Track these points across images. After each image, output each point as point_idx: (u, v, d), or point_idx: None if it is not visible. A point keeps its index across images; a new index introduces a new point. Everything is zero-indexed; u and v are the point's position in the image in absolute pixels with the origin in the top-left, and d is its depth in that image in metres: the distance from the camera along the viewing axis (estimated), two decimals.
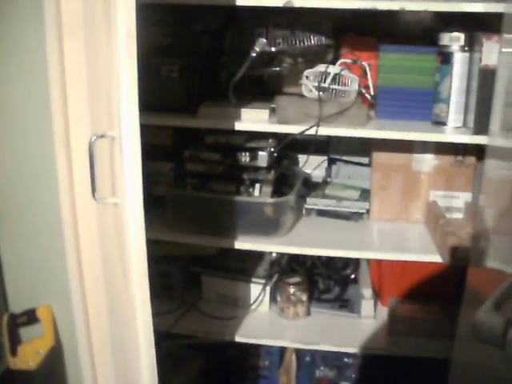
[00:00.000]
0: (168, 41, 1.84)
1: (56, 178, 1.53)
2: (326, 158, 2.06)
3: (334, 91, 1.72)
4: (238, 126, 1.70)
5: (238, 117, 1.73)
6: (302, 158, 2.03)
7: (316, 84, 1.72)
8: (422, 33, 1.89)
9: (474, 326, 0.81)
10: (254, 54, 1.72)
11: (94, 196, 1.27)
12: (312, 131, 1.67)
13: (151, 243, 1.28)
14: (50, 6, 1.35)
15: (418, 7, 1.55)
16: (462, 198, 1.87)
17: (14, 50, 1.62)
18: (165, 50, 1.82)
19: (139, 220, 1.17)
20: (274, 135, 1.80)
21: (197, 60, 1.80)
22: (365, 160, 2.03)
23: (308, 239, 1.82)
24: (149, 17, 1.74)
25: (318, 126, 1.66)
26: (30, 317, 1.84)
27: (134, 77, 1.08)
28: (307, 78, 1.74)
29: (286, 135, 1.76)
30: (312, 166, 2.05)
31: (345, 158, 2.07)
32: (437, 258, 1.69)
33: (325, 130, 1.69)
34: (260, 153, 1.76)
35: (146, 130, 1.75)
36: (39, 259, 1.79)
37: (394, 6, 1.54)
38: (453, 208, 1.87)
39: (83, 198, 1.50)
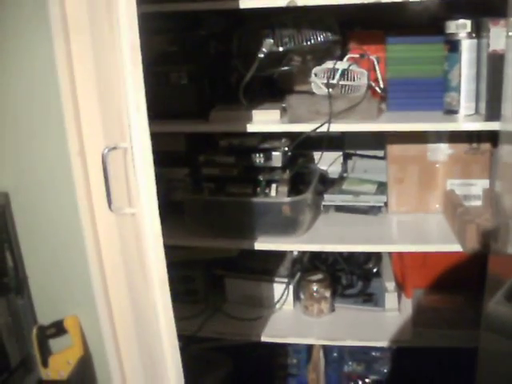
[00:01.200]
0: (175, 48, 1.86)
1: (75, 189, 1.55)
2: (341, 153, 2.07)
3: (343, 87, 1.73)
4: (250, 128, 1.71)
5: (249, 119, 1.74)
6: (316, 154, 2.03)
7: (325, 81, 1.73)
8: (429, 22, 1.88)
9: (485, 318, 0.81)
10: (261, 55, 1.73)
11: (110, 207, 1.29)
12: (324, 128, 1.67)
13: (172, 249, 1.30)
14: (55, 12, 1.37)
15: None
16: (479, 186, 1.86)
17: (26, 60, 1.64)
18: (173, 57, 1.84)
19: (156, 228, 1.19)
20: (287, 134, 1.80)
21: (205, 65, 1.82)
22: (380, 153, 2.03)
23: (327, 236, 1.82)
24: (154, 25, 1.76)
25: (329, 122, 1.67)
26: (58, 328, 1.87)
27: (141, 87, 1.10)
28: (316, 75, 1.74)
29: (298, 134, 1.76)
30: (327, 162, 2.05)
31: (360, 152, 2.07)
32: (457, 247, 1.68)
33: (337, 127, 1.69)
34: (274, 153, 1.77)
35: (159, 138, 1.78)
36: (63, 271, 1.82)
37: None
38: (471, 196, 1.87)
39: (102, 209, 1.52)
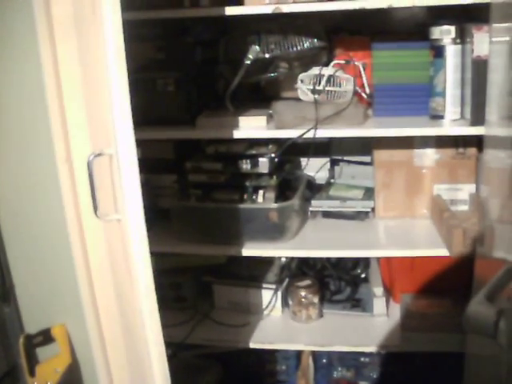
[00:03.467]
0: (162, 55, 1.86)
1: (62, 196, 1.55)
2: (328, 159, 2.07)
3: (329, 93, 1.74)
4: (237, 134, 1.72)
5: (236, 125, 1.74)
6: (303, 161, 2.03)
7: (311, 87, 1.73)
8: (415, 28, 1.89)
9: (465, 318, 0.81)
10: (248, 62, 1.73)
11: (96, 213, 1.29)
12: (310, 134, 1.67)
13: (160, 256, 1.30)
14: (41, 19, 1.37)
15: (406, 3, 1.56)
16: (465, 190, 1.86)
17: (10, 68, 1.64)
18: (159, 65, 1.85)
19: (142, 234, 1.19)
20: (274, 140, 1.81)
21: (192, 72, 1.82)
22: (367, 159, 2.04)
23: (315, 241, 1.83)
24: (141, 32, 1.76)
25: (315, 128, 1.67)
26: (46, 336, 1.85)
27: (126, 93, 1.10)
28: (302, 81, 1.75)
29: (285, 140, 1.77)
30: (315, 168, 2.06)
31: (347, 158, 2.08)
32: (444, 252, 1.69)
33: (323, 132, 1.70)
34: (261, 159, 1.77)
35: (146, 145, 1.78)
36: (50, 279, 1.80)
37: (382, 4, 1.55)
38: (457, 200, 1.87)
39: (89, 215, 1.51)
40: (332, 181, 2.07)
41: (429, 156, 1.87)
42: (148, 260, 1.20)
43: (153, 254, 1.22)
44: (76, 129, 1.47)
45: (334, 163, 2.08)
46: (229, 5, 1.61)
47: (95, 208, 1.29)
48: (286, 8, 1.57)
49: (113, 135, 1.14)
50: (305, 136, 1.68)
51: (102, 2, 1.08)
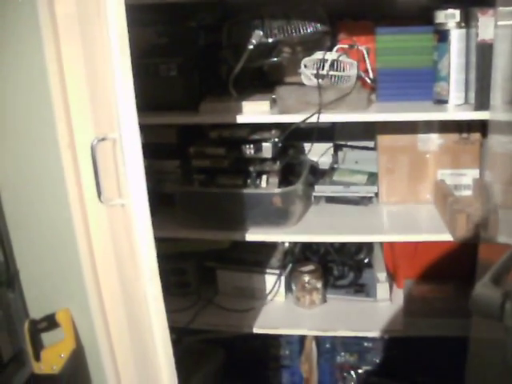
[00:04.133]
0: (164, 40, 1.85)
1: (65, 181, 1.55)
2: (331, 144, 2.07)
3: (333, 77, 1.73)
4: (240, 119, 1.71)
5: (239, 110, 1.74)
6: (307, 146, 2.03)
7: (315, 72, 1.73)
8: (419, 12, 1.87)
9: (471, 301, 0.81)
10: (251, 47, 1.72)
11: (100, 198, 1.29)
12: (314, 119, 1.67)
13: (163, 241, 1.30)
14: (44, 11, 1.36)
15: None
16: (469, 175, 1.86)
17: (13, 53, 1.64)
18: (162, 50, 1.84)
19: (146, 218, 1.19)
20: (278, 125, 1.80)
21: (195, 56, 1.81)
22: (370, 144, 2.03)
23: (318, 227, 1.82)
24: (143, 17, 1.75)
25: (319, 113, 1.67)
26: (50, 322, 1.86)
27: (129, 77, 1.09)
28: (305, 66, 1.74)
29: (288, 125, 1.76)
30: (318, 153, 2.05)
31: (350, 143, 2.07)
32: (448, 237, 1.68)
33: (327, 117, 1.69)
34: (264, 144, 1.77)
35: (150, 130, 1.78)
36: (54, 264, 1.81)
37: None
38: (461, 185, 1.87)
39: (93, 200, 1.52)
40: (335, 166, 2.06)
41: (433, 141, 1.87)
42: (152, 245, 1.21)
43: (156, 239, 1.22)
44: (79, 114, 1.47)
45: (337, 148, 2.07)
46: None
47: (99, 193, 1.29)
48: None
49: (116, 120, 1.14)
50: (308, 121, 1.68)
51: None
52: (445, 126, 1.83)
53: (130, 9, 1.11)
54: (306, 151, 2.03)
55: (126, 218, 1.29)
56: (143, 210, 1.17)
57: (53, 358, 1.85)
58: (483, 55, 1.56)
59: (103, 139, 1.23)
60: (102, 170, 1.29)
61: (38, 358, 1.87)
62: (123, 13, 1.08)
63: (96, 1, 1.14)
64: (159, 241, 1.24)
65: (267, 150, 1.77)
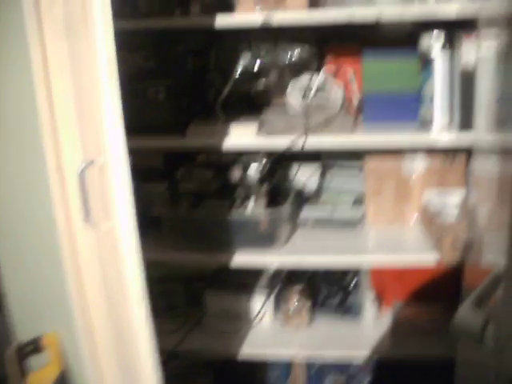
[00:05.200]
0: (152, 64, 1.87)
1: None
2: (318, 164, 2.07)
3: (319, 101, 1.75)
4: (227, 143, 1.73)
5: (226, 134, 1.75)
6: (294, 166, 2.03)
7: (301, 96, 1.75)
8: (405, 35, 1.90)
9: (453, 324, 0.82)
10: (238, 71, 1.74)
11: (87, 221, 1.29)
12: (299, 144, 1.68)
13: (152, 264, 1.30)
14: (34, 37, 1.37)
15: (394, 16, 1.58)
16: (455, 196, 1.87)
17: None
18: (150, 73, 1.85)
19: (133, 241, 1.19)
20: (265, 148, 1.81)
21: (183, 80, 1.83)
22: (357, 163, 2.03)
23: (305, 249, 1.83)
24: (132, 42, 1.77)
25: (305, 137, 1.68)
26: (37, 345, 1.85)
27: (117, 101, 1.10)
28: (292, 90, 1.76)
29: (275, 148, 1.77)
30: (305, 173, 2.06)
31: (338, 163, 2.07)
32: (434, 259, 1.70)
33: (312, 142, 1.70)
34: (251, 167, 1.78)
35: (137, 153, 1.78)
36: (41, 287, 1.80)
37: (370, 18, 1.57)
38: (447, 206, 1.88)
39: (80, 223, 1.52)
40: (322, 187, 2.06)
41: (419, 162, 1.89)
42: (140, 267, 1.21)
43: (144, 261, 1.22)
44: (67, 137, 1.47)
45: (324, 168, 2.08)
46: (220, 11, 1.63)
47: (86, 216, 1.29)
48: (276, 21, 1.58)
49: (104, 143, 1.15)
50: (294, 146, 1.69)
51: (92, 10, 1.08)
52: (430, 147, 1.85)
53: (119, 33, 1.12)
54: (293, 171, 2.03)
55: (113, 241, 1.29)
56: (131, 232, 1.18)
57: (39, 382, 1.84)
58: (467, 78, 1.60)
59: (91, 163, 1.23)
60: (90, 192, 1.29)
61: (23, 382, 1.85)
62: (111, 38, 1.09)
63: (85, 25, 1.15)
64: (147, 263, 1.24)
65: (254, 173, 1.77)
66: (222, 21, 1.62)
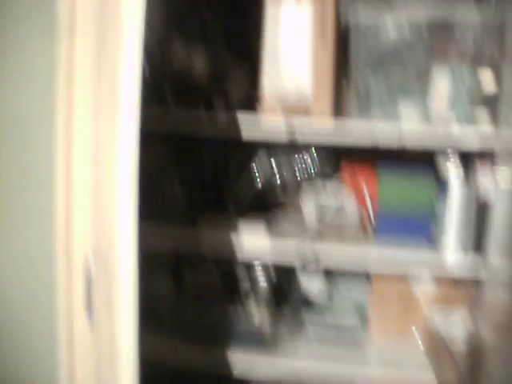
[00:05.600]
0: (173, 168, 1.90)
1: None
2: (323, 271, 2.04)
3: (332, 218, 1.77)
4: (236, 243, 1.74)
5: (236, 231, 1.76)
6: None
7: (316, 214, 1.77)
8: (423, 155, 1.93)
9: None
10: (259, 185, 1.83)
11: (88, 317, 1.28)
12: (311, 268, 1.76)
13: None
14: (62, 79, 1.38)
15: (416, 141, 1.64)
16: (461, 319, 1.83)
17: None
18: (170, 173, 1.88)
19: (132, 342, 1.18)
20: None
21: (199, 177, 1.86)
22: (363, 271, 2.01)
23: (303, 355, 1.79)
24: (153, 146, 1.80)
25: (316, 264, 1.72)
26: None
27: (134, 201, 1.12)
28: (307, 208, 1.79)
29: (282, 253, 1.77)
30: (310, 279, 2.03)
31: (341, 270, 2.04)
32: (432, 379, 1.66)
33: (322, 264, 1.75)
34: (256, 268, 1.78)
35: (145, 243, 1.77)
36: (25, 338, 1.76)
37: (394, 144, 1.65)
38: (452, 328, 1.83)
39: (82, 317, 1.50)
40: (326, 295, 2.02)
41: (426, 281, 1.87)
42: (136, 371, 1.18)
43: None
44: (79, 222, 1.47)
45: (328, 275, 2.04)
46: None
47: (88, 312, 1.28)
48: (301, 139, 1.65)
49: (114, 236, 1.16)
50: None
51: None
52: (439, 269, 1.83)
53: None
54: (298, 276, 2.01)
55: (112, 340, 1.27)
56: (131, 334, 1.16)
57: None
58: (482, 206, 1.61)
59: (99, 259, 1.24)
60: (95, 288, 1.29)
61: None
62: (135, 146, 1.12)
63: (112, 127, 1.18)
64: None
65: (259, 275, 1.77)
66: (249, 135, 1.68)
